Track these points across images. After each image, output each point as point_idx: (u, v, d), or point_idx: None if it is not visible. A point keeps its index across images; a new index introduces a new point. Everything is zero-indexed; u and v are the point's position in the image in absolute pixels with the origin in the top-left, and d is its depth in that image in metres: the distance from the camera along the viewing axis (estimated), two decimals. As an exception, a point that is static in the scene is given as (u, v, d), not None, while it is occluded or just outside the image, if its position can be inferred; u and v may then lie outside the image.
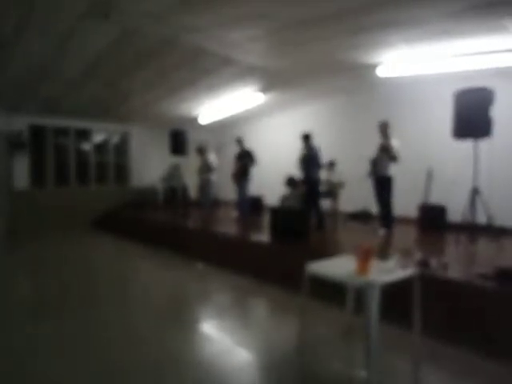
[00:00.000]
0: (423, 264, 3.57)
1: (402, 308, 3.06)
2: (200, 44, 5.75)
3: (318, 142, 6.93)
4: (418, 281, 2.91)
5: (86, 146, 10.35)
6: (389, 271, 2.70)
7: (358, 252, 2.68)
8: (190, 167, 9.71)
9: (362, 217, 7.64)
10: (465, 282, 3.30)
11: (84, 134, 10.18)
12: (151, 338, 3.33)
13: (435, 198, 6.52)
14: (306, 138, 6.97)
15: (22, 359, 2.93)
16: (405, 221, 6.78)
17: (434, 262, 3.67)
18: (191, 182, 9.58)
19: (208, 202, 8.33)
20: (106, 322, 3.69)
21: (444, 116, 6.10)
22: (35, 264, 6.31)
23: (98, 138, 10.54)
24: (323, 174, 7.58)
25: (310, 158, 6.86)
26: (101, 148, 10.58)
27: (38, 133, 9.37)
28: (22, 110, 8.56)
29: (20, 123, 8.87)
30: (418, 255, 3.79)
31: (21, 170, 9.02)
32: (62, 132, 9.79)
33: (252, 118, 10.82)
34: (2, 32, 4.98)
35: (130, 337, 3.35)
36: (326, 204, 7.54)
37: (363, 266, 2.62)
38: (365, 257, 2.65)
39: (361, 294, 2.62)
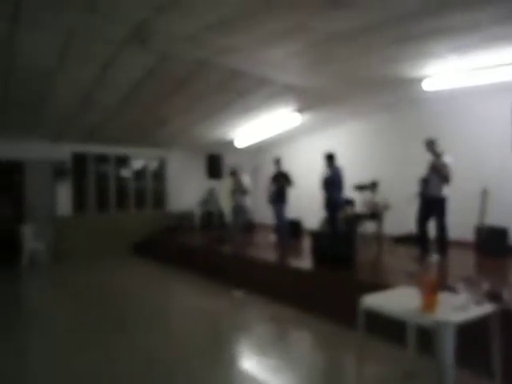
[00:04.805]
0: (494, 297, 3.09)
1: (476, 349, 2.62)
2: (235, 65, 5.66)
3: (360, 162, 6.58)
4: (495, 319, 2.47)
5: (126, 173, 10.52)
6: (461, 308, 2.30)
7: (421, 284, 2.32)
8: (222, 190, 9.58)
9: (408, 240, 7.11)
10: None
11: (123, 161, 10.36)
12: (189, 374, 3.05)
13: (495, 220, 5.92)
14: (330, 158, 6.61)
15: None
16: (459, 244, 6.21)
17: (506, 294, 3.18)
18: (224, 206, 9.40)
19: (239, 225, 8.07)
20: (143, 353, 3.46)
21: (502, 130, 5.58)
22: (77, 289, 6.28)
23: (136, 164, 10.69)
24: (367, 195, 7.19)
25: (332, 180, 6.52)
26: (140, 174, 10.72)
27: (79, 160, 9.62)
28: (64, 138, 8.82)
29: (63, 151, 9.12)
30: (484, 286, 3.31)
31: (64, 197, 9.23)
32: (102, 159, 10.01)
33: (289, 140, 10.61)
34: (45, 61, 5.11)
35: (167, 373, 3.10)
36: (369, 227, 7.11)
37: (430, 302, 2.25)
38: (431, 290, 2.28)
39: (425, 332, 2.24)
